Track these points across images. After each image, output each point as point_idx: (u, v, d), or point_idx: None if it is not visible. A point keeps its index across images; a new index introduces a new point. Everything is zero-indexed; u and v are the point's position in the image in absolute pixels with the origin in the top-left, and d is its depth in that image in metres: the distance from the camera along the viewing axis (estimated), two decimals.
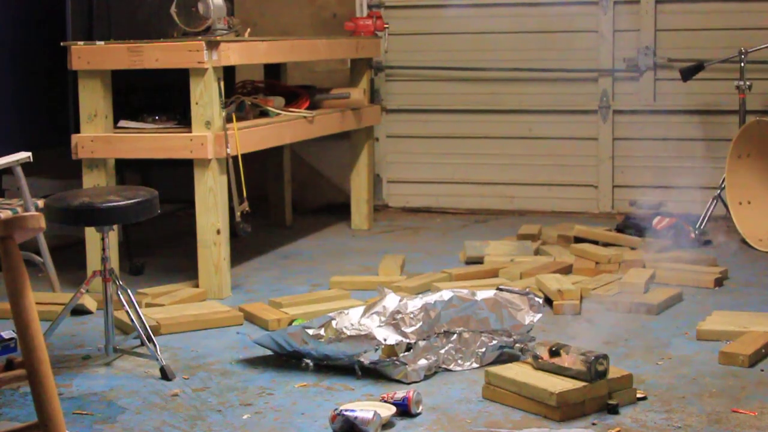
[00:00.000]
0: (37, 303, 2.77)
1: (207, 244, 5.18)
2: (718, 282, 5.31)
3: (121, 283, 4.16)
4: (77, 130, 5.29)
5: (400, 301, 4.01)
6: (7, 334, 4.22)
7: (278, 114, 5.87)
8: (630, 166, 7.18)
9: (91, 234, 5.19)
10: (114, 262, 4.64)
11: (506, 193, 7.48)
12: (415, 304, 3.99)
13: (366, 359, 3.94)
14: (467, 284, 5.08)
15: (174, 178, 6.03)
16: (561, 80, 7.32)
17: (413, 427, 3.51)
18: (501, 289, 4.23)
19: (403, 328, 3.93)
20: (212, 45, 5.07)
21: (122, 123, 5.47)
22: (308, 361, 4.07)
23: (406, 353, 3.91)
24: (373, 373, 3.95)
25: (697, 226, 6.34)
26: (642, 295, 4.95)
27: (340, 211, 7.31)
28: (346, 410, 3.46)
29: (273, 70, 6.90)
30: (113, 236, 5.16)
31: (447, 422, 3.53)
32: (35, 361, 2.66)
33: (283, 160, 7.03)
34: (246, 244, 6.12)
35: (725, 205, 6.36)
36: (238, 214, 5.29)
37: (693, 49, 6.88)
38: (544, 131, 7.37)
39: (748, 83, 6.43)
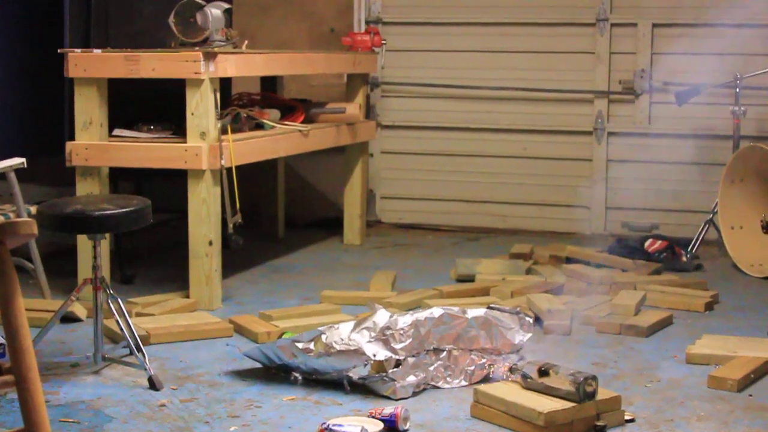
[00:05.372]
0: (26, 309, 2.76)
1: (199, 255, 5.17)
2: (709, 306, 5.31)
3: (111, 291, 4.15)
4: (72, 138, 5.29)
5: (391, 317, 4.01)
6: None
7: (273, 127, 5.88)
8: (623, 188, 7.19)
9: (82, 242, 5.19)
10: (105, 271, 4.63)
11: (499, 211, 7.49)
12: (405, 320, 3.98)
13: (355, 374, 3.94)
14: (458, 302, 5.07)
15: (167, 188, 6.03)
16: (556, 101, 7.34)
17: None
18: (492, 308, 4.23)
19: (392, 344, 3.93)
20: (209, 56, 5.08)
21: (117, 132, 5.46)
22: (297, 374, 4.06)
23: (395, 369, 3.91)
24: (362, 389, 3.94)
25: (689, 249, 6.36)
26: (632, 317, 4.95)
27: (333, 225, 7.31)
28: (333, 425, 3.46)
29: (269, 83, 6.91)
30: (105, 245, 5.13)
31: None
32: (23, 367, 2.66)
33: (277, 173, 7.04)
34: (238, 256, 6.11)
35: (717, 230, 6.37)
36: (230, 225, 5.29)
37: (689, 73, 6.89)
38: (539, 151, 7.38)
39: (742, 108, 6.45)
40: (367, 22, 7.56)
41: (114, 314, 4.14)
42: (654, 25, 7.08)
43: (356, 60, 6.78)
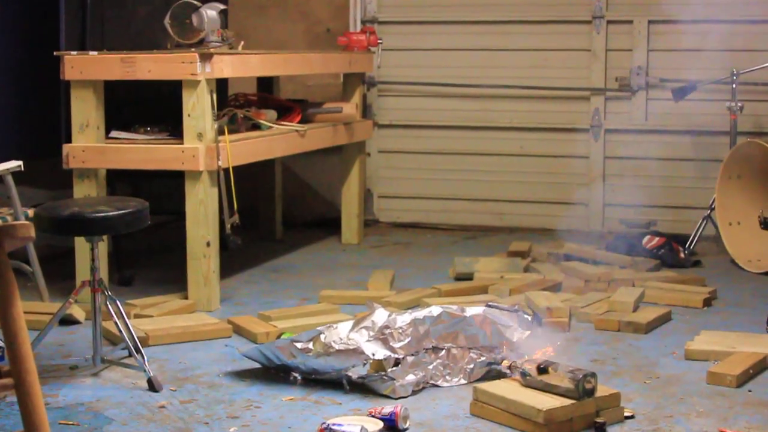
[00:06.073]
0: (25, 312, 2.76)
1: (197, 256, 5.17)
2: (707, 302, 5.31)
3: (109, 293, 4.15)
4: (69, 140, 5.29)
5: (389, 316, 4.01)
6: None
7: (270, 127, 5.88)
8: (621, 185, 7.19)
9: (80, 244, 5.19)
10: (103, 273, 4.64)
11: (497, 209, 7.49)
12: (404, 319, 3.98)
13: (354, 374, 3.94)
14: (456, 300, 5.08)
15: (165, 190, 6.03)
16: (553, 98, 7.34)
17: None
18: (490, 306, 4.23)
19: (391, 343, 3.93)
20: (205, 57, 5.07)
21: (114, 133, 5.46)
22: (296, 374, 4.06)
23: (394, 368, 3.91)
24: (361, 388, 3.94)
25: (687, 245, 6.36)
26: (631, 314, 4.96)
27: (331, 225, 7.31)
28: (333, 424, 3.46)
29: (266, 83, 6.91)
30: (103, 247, 5.15)
31: None
32: (22, 370, 2.66)
33: (275, 174, 7.03)
34: (236, 257, 6.12)
35: (715, 226, 6.38)
36: (228, 226, 5.29)
37: (685, 69, 6.90)
38: (536, 149, 7.39)
39: (739, 104, 6.46)
40: (363, 22, 7.57)
41: (113, 316, 4.13)
42: (650, 22, 7.08)
43: (352, 59, 6.78)
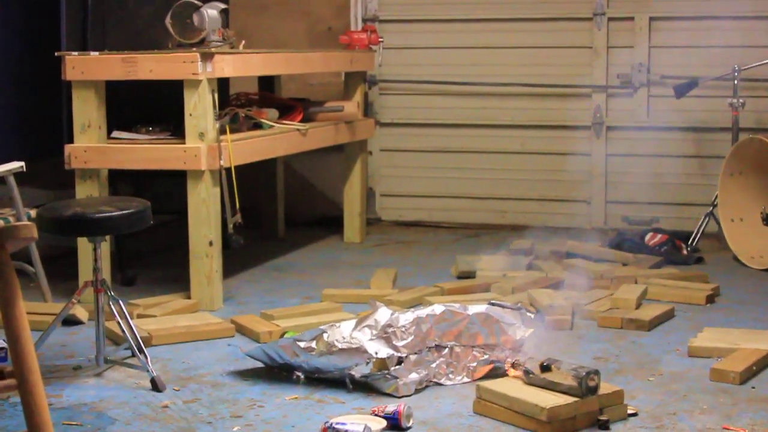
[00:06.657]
0: (28, 313, 2.76)
1: (199, 256, 5.17)
2: (710, 299, 5.31)
3: (112, 293, 4.15)
4: (71, 140, 5.29)
5: (392, 314, 4.01)
6: None
7: (272, 126, 5.88)
8: (623, 182, 7.19)
9: (83, 244, 5.19)
10: (106, 273, 4.63)
11: (499, 207, 7.48)
12: (406, 317, 3.98)
13: (357, 372, 3.94)
14: (459, 298, 5.08)
15: (167, 189, 6.03)
16: (555, 96, 7.34)
17: None
18: (493, 304, 4.23)
19: (394, 342, 3.93)
20: (206, 56, 5.07)
21: (116, 134, 5.47)
22: (299, 373, 4.06)
23: (397, 367, 3.91)
24: (364, 387, 3.94)
25: (689, 242, 6.36)
26: (633, 311, 4.95)
27: (333, 224, 7.31)
28: (336, 423, 3.46)
29: (267, 83, 6.91)
30: (105, 247, 5.14)
31: None
32: (25, 371, 2.66)
33: (276, 173, 7.04)
34: (238, 256, 6.11)
35: (717, 222, 6.37)
36: (230, 225, 5.29)
37: (686, 66, 6.90)
38: (538, 146, 7.38)
39: (741, 101, 6.45)
40: (364, 20, 7.56)
41: (115, 316, 4.14)
42: (651, 19, 7.08)
43: (353, 58, 6.78)
